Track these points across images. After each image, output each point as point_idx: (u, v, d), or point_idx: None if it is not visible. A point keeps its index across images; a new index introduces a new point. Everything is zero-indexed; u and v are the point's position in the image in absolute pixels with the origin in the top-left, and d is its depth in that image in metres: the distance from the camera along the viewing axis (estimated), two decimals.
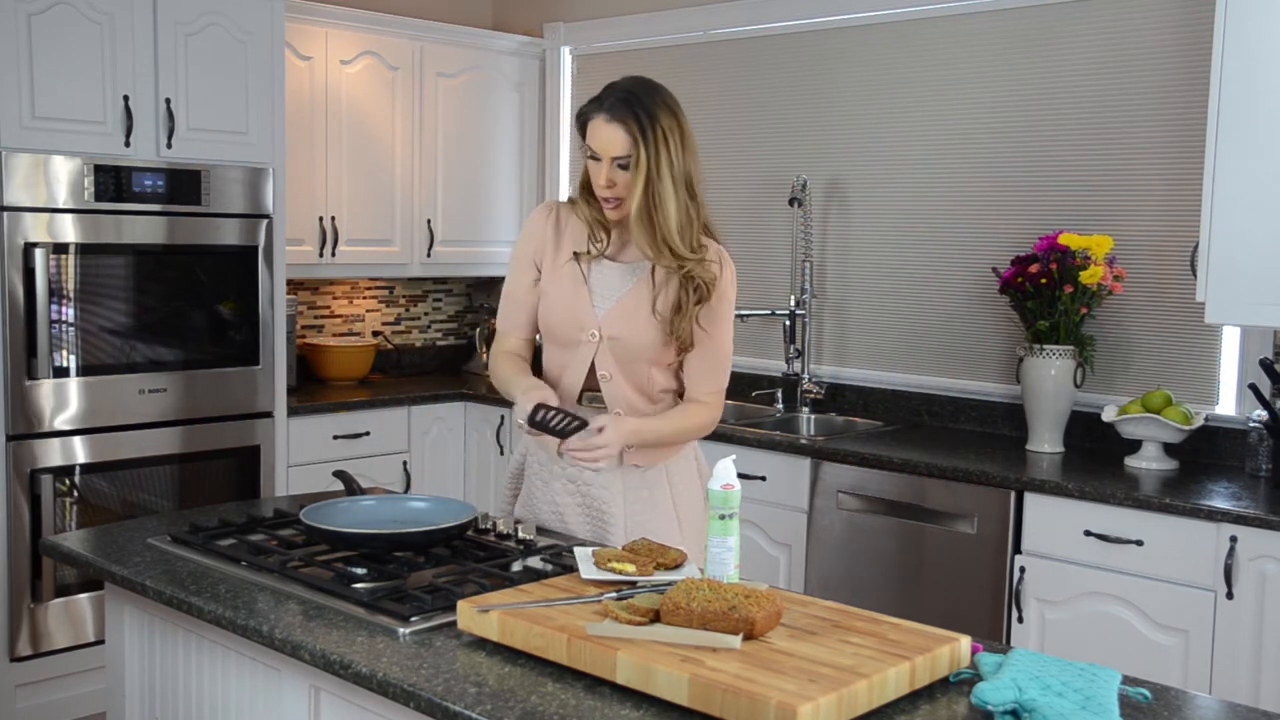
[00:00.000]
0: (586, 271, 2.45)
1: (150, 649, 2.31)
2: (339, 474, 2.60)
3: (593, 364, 2.45)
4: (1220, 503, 2.98)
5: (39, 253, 3.54)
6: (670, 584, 1.87)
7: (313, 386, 4.68)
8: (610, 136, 2.33)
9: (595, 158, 2.36)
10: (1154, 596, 3.05)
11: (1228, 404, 3.53)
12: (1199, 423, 3.33)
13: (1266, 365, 3.16)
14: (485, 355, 5.27)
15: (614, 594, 1.86)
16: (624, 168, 2.34)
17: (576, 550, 2.06)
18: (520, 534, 2.33)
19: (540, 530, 2.46)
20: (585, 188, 2.45)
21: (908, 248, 4.18)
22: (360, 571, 2.09)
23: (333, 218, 4.58)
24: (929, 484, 3.45)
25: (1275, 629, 2.88)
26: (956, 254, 4.05)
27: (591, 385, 2.47)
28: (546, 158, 5.24)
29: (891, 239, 4.22)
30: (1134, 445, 3.45)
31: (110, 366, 3.74)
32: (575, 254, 2.46)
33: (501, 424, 4.61)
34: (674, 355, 2.47)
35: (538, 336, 2.58)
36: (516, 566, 2.16)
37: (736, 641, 1.65)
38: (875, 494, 3.57)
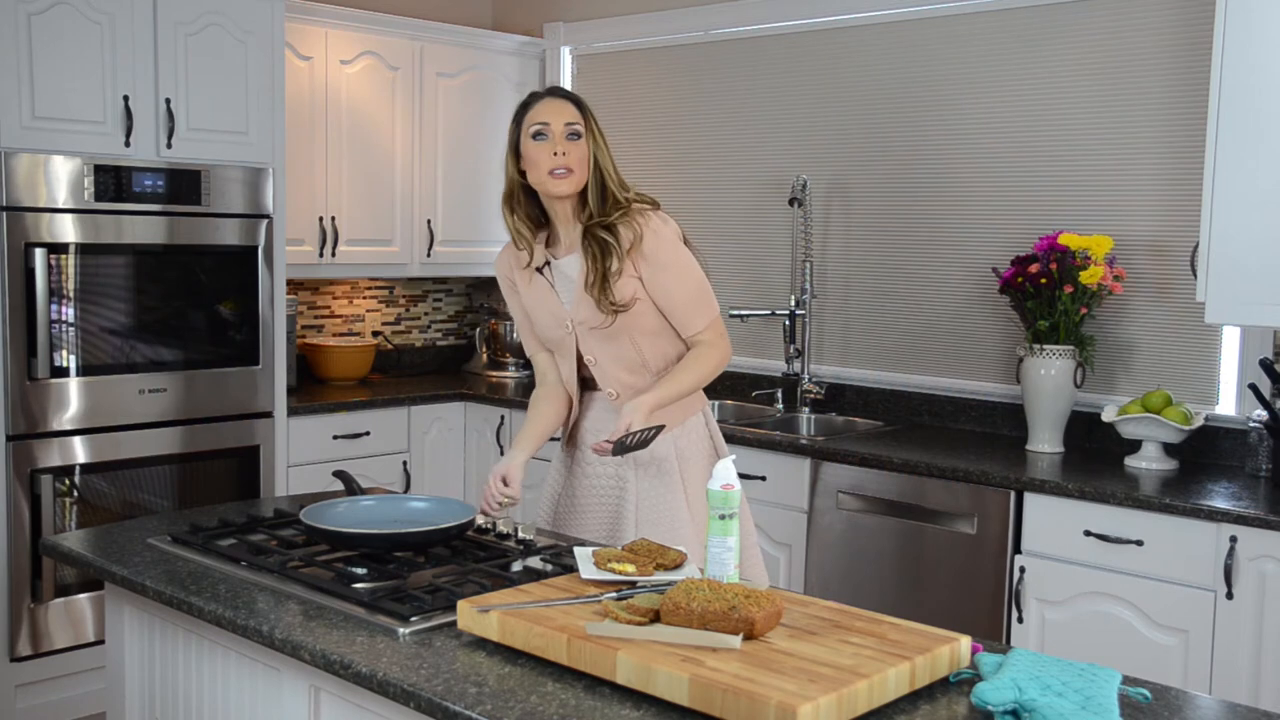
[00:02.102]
0: (550, 278, 2.63)
1: (150, 649, 2.31)
2: (339, 474, 2.60)
3: (579, 354, 2.61)
4: (1220, 503, 2.98)
5: (39, 253, 3.54)
6: (670, 584, 1.87)
7: (313, 386, 4.68)
8: (560, 106, 2.54)
9: (541, 135, 2.52)
10: (1154, 596, 3.05)
11: (1228, 404, 3.53)
12: (1199, 423, 3.33)
13: (1266, 365, 3.16)
14: (485, 355, 5.28)
15: (614, 594, 1.86)
16: (572, 137, 2.52)
17: (576, 550, 2.06)
18: (520, 534, 2.34)
19: (540, 531, 2.47)
20: (511, 197, 2.61)
21: (908, 247, 4.18)
22: (360, 571, 2.09)
23: (333, 218, 4.58)
24: (929, 484, 3.45)
25: (1275, 629, 2.88)
26: (956, 254, 4.05)
27: (585, 373, 2.64)
28: None
29: (892, 239, 4.22)
30: (1134, 445, 3.45)
31: (110, 366, 3.74)
32: (537, 269, 2.63)
33: (501, 424, 4.61)
34: (646, 321, 2.56)
35: None
36: (516, 566, 2.16)
37: (736, 641, 1.65)
38: (875, 494, 3.57)
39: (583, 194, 2.56)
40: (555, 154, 2.50)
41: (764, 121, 4.55)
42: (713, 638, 1.66)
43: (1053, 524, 3.21)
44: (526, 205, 2.61)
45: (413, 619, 1.89)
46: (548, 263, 2.62)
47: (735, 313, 4.31)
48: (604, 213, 2.53)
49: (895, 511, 3.53)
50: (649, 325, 2.57)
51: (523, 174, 2.57)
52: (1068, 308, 3.52)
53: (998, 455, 3.55)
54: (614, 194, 2.54)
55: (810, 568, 3.71)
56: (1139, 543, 3.06)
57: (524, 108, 2.57)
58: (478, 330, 5.33)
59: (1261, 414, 3.25)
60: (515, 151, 2.57)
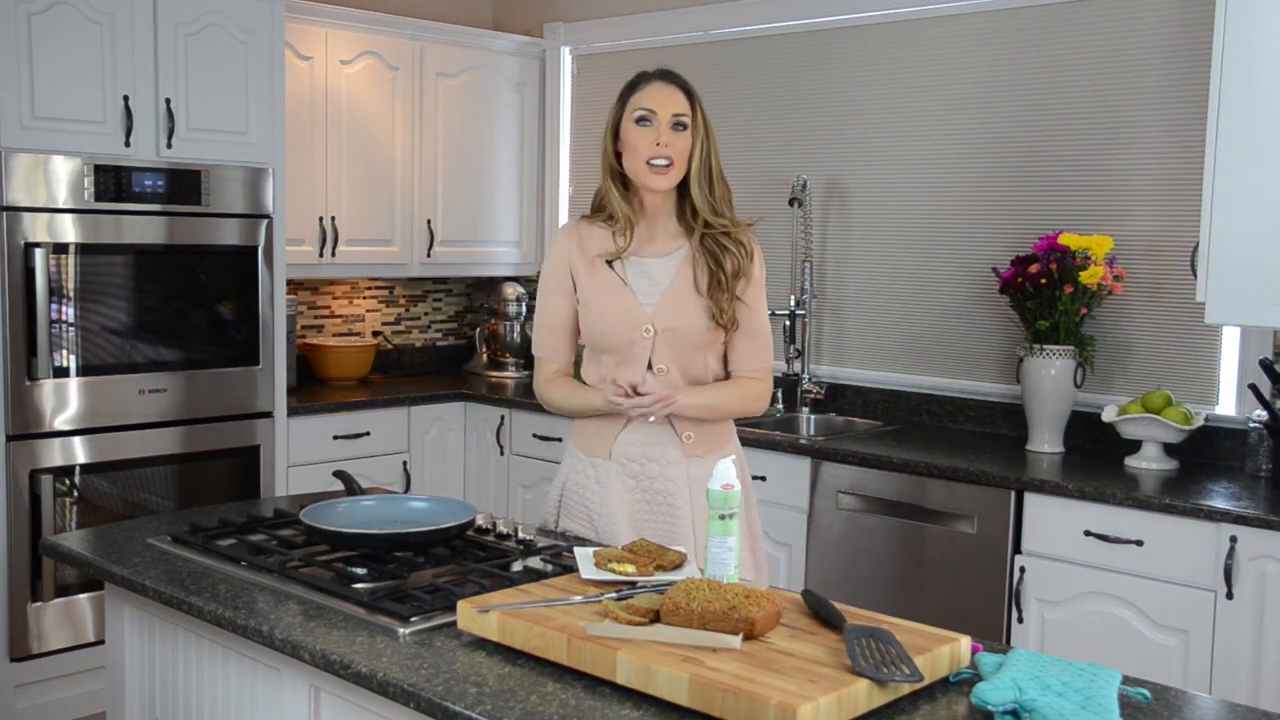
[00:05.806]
0: (623, 273, 2.46)
1: (150, 649, 2.31)
2: (339, 474, 2.60)
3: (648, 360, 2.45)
4: (1220, 503, 2.98)
5: (39, 253, 3.54)
6: (670, 584, 1.87)
7: (313, 386, 4.68)
8: (670, 95, 2.40)
9: (646, 121, 2.39)
10: (1154, 596, 3.05)
11: (1228, 404, 3.53)
12: (1199, 423, 3.33)
13: (1266, 365, 3.16)
14: (485, 355, 5.28)
15: (614, 594, 1.86)
16: (678, 128, 2.39)
17: (576, 550, 2.06)
18: (520, 534, 2.34)
19: (541, 531, 2.47)
20: (615, 176, 2.46)
21: (908, 248, 4.18)
22: (360, 571, 2.09)
23: (333, 218, 4.58)
24: (929, 484, 3.45)
25: (1275, 629, 2.88)
26: (956, 254, 4.05)
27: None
28: (546, 158, 5.24)
29: (891, 239, 4.22)
30: (1134, 445, 3.45)
31: (110, 366, 3.74)
32: (607, 261, 2.46)
33: (501, 424, 4.61)
34: (724, 336, 2.49)
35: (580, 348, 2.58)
36: (516, 566, 2.16)
37: (736, 641, 1.65)
38: (875, 494, 3.57)
39: (681, 190, 2.44)
40: (658, 144, 2.37)
41: (764, 121, 4.55)
42: (713, 638, 1.66)
43: (1053, 524, 3.21)
44: (619, 191, 2.46)
45: (413, 619, 1.89)
46: (619, 258, 2.46)
47: None
48: (714, 213, 2.42)
49: (895, 511, 3.53)
50: (721, 341, 2.48)
51: (618, 157, 2.43)
52: (1068, 308, 3.52)
53: (998, 455, 3.55)
54: (720, 196, 2.43)
55: (810, 568, 3.71)
56: (1139, 543, 3.06)
57: (631, 88, 2.43)
58: (478, 330, 5.33)
59: (1261, 414, 3.25)
60: (615, 133, 2.44)
